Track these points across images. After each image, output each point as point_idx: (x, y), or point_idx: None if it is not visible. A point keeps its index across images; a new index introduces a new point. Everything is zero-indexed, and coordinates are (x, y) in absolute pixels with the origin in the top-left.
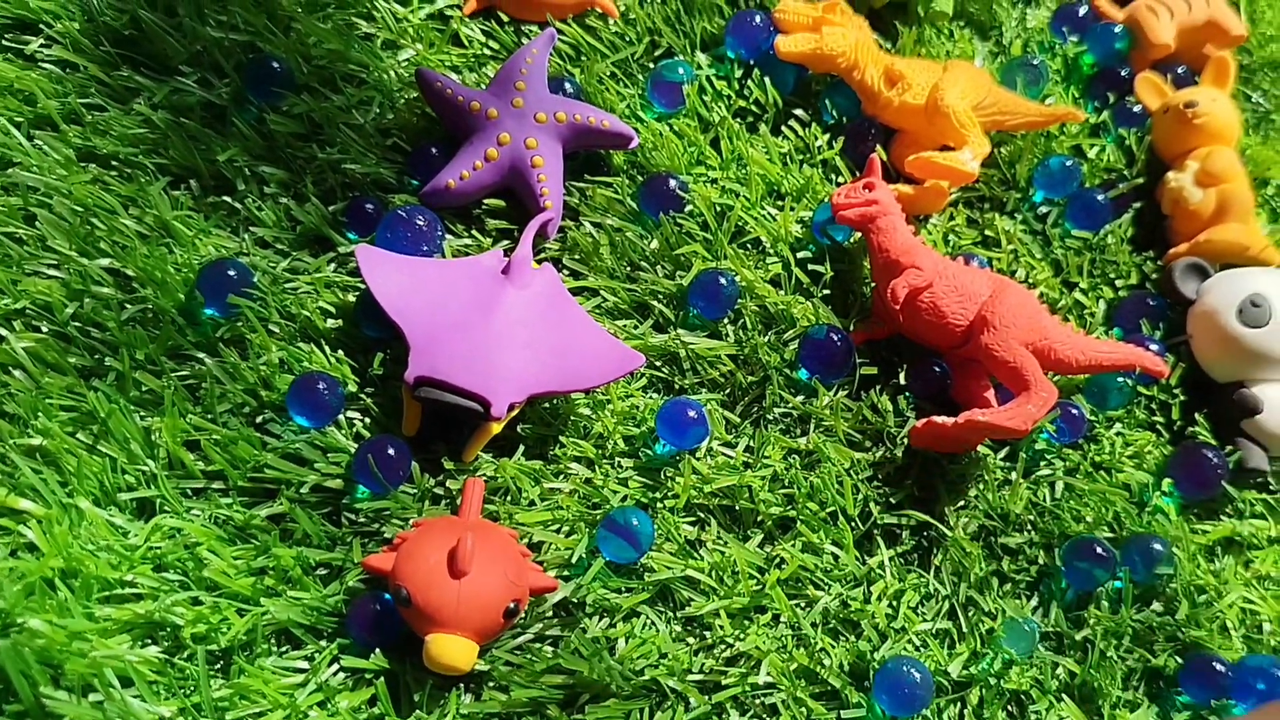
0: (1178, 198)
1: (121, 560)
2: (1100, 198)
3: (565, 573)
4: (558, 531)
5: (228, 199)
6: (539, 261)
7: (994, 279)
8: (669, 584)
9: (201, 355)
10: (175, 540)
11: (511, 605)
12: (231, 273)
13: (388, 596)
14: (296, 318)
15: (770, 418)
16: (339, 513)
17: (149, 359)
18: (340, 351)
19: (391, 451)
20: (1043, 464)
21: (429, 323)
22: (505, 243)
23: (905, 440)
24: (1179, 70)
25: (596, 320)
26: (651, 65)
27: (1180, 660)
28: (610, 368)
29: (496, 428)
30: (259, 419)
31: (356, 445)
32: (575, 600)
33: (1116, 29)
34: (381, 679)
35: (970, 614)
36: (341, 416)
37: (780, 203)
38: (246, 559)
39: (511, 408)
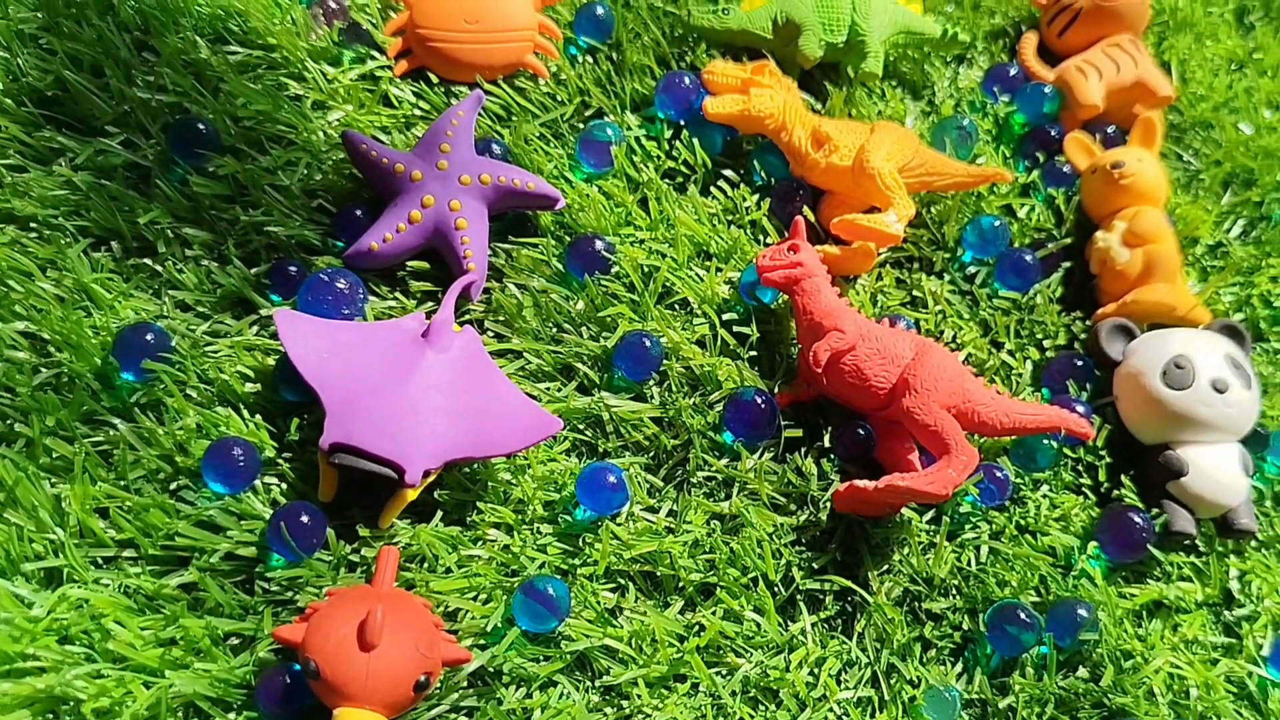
0: (1105, 258)
1: (23, 633)
2: (1029, 258)
3: (481, 641)
4: (475, 599)
5: (149, 261)
6: (462, 324)
7: (918, 341)
8: (587, 653)
9: (116, 421)
10: (82, 611)
11: (422, 678)
12: (149, 337)
13: (298, 667)
14: (215, 382)
15: (694, 481)
16: (252, 581)
17: (61, 425)
18: (259, 416)
19: (305, 518)
20: (968, 527)
21: (346, 388)
22: (429, 305)
23: (829, 504)
24: (1109, 130)
25: (519, 383)
26: (581, 126)
27: None
28: (528, 433)
29: (412, 494)
30: (173, 485)
31: (273, 511)
32: (491, 669)
33: (1046, 89)
34: None
35: (893, 681)
36: (259, 482)
37: (708, 263)
38: (155, 629)
39: (428, 474)
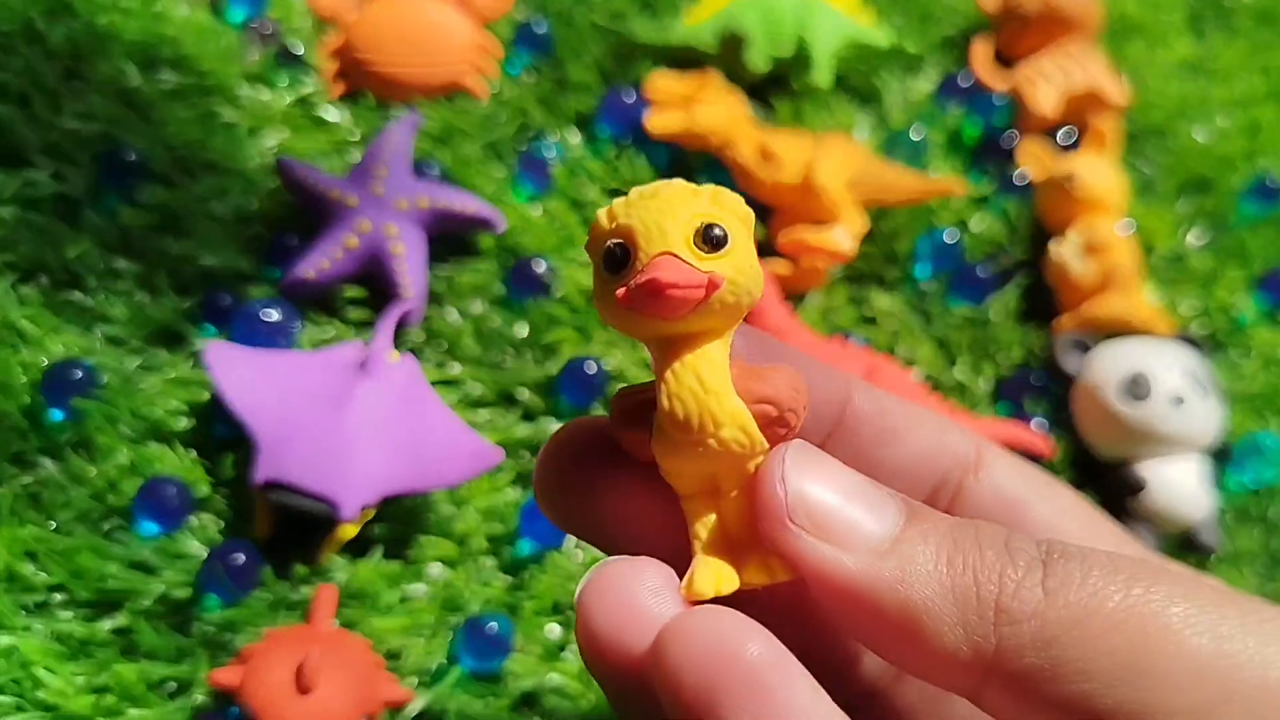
0: (1060, 269)
1: None
2: (982, 272)
3: (425, 680)
4: (417, 637)
5: (78, 295)
6: (400, 352)
7: (869, 360)
8: (532, 690)
9: (45, 460)
10: (11, 659)
11: None
12: (77, 374)
13: (236, 711)
14: (147, 418)
15: None
16: (188, 623)
17: None
18: (193, 452)
19: (241, 558)
20: None
21: (279, 422)
22: (367, 332)
23: None
24: (1061, 139)
25: (460, 411)
26: (523, 146)
27: None
28: (467, 465)
29: (350, 530)
30: (106, 525)
31: (207, 550)
32: (435, 709)
33: (998, 99)
34: None
35: None
36: (194, 519)
37: None
38: (87, 676)
39: (365, 509)
